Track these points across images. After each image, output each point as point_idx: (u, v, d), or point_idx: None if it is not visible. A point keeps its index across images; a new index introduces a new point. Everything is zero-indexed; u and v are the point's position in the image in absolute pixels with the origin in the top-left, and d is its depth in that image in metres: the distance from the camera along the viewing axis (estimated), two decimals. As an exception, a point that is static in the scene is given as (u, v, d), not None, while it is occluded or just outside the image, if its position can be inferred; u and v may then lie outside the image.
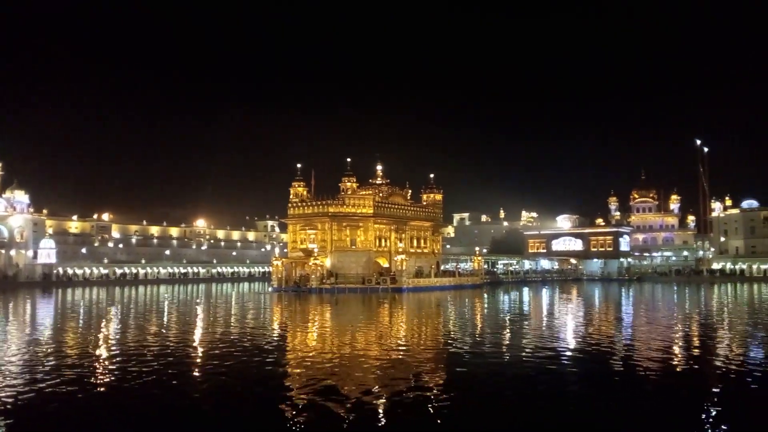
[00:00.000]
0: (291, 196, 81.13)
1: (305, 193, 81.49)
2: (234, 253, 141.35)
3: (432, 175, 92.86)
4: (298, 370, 18.97)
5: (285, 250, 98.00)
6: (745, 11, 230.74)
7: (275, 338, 28.19)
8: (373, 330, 31.03)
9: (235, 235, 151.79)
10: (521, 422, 12.80)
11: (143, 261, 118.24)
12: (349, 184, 78.88)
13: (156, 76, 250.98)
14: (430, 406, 13.91)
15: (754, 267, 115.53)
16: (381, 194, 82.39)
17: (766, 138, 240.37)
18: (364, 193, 79.54)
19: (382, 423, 12.62)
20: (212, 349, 23.32)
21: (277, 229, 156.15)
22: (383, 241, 79.85)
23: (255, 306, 51.12)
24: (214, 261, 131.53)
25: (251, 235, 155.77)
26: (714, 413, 13.53)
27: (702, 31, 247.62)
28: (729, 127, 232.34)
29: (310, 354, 22.51)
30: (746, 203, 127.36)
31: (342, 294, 65.45)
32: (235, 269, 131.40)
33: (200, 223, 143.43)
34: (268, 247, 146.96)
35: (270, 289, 75.34)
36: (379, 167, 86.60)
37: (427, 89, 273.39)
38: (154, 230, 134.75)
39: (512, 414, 13.46)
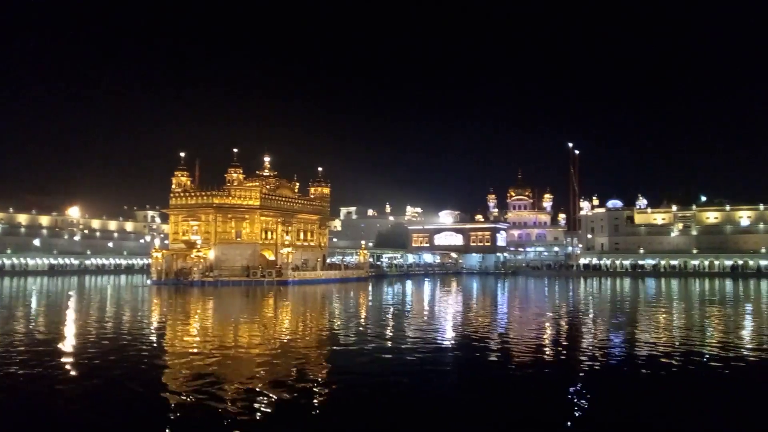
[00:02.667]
0: (173, 186, 78.57)
1: (189, 182, 79.24)
2: (111, 244, 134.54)
3: (320, 169, 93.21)
4: (177, 366, 18.67)
5: (166, 242, 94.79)
6: (618, 19, 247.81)
7: (153, 333, 27.41)
8: (256, 323, 31.04)
9: (112, 225, 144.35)
10: (403, 414, 13.41)
11: (9, 251, 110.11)
12: (235, 175, 77.56)
13: (24, 54, 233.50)
14: (313, 400, 14.22)
15: (617, 262, 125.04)
16: (268, 186, 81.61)
17: (631, 143, 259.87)
18: (250, 184, 78.48)
19: (263, 417, 12.87)
20: (83, 345, 22.30)
21: (157, 220, 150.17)
22: (270, 233, 79.21)
23: (132, 299, 49.31)
24: (89, 252, 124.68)
25: (130, 226, 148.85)
26: (580, 398, 14.86)
27: (575, 38, 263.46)
28: (598, 132, 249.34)
29: (190, 349, 22.24)
30: (611, 203, 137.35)
31: (226, 287, 64.45)
32: (112, 261, 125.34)
33: (74, 212, 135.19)
34: (148, 238, 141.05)
35: (149, 282, 72.69)
36: (267, 159, 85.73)
37: (315, 83, 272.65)
38: (22, 218, 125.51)
39: (394, 406, 14.05)
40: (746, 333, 27.70)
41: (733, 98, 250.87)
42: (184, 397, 14.35)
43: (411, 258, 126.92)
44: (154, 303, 45.42)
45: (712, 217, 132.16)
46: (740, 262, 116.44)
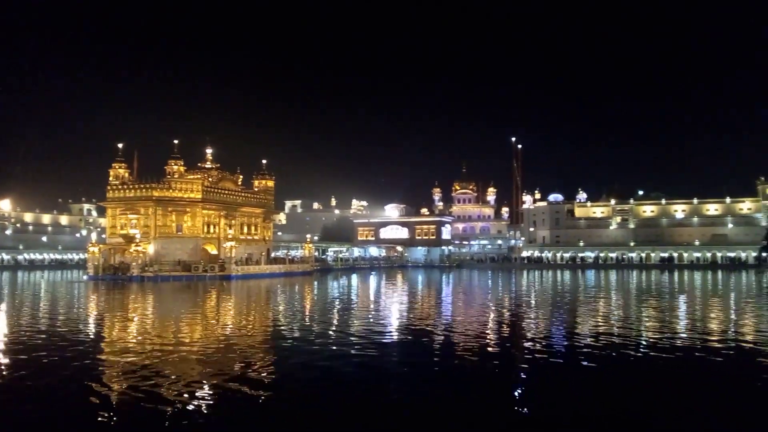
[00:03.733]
0: (111, 178, 76.27)
1: (127, 175, 77.09)
2: (44, 239, 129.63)
3: (264, 162, 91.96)
4: (116, 364, 17.98)
5: (103, 236, 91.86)
6: (562, 15, 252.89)
7: (89, 330, 26.47)
8: (198, 319, 30.28)
9: (46, 218, 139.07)
10: (350, 407, 13.22)
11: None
12: (176, 167, 75.79)
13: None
14: (257, 395, 13.89)
15: (558, 255, 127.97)
16: (210, 179, 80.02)
17: (572, 138, 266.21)
18: (192, 177, 76.79)
19: (205, 414, 12.49)
20: (14, 344, 21.37)
21: (94, 213, 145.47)
22: (212, 227, 77.75)
23: (68, 296, 47.53)
24: (21, 247, 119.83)
25: (64, 219, 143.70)
26: (525, 387, 14.94)
27: (517, 34, 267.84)
28: (541, 127, 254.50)
29: (129, 346, 21.49)
30: (552, 197, 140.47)
31: (166, 282, 62.87)
32: (46, 256, 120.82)
33: (4, 205, 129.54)
34: (84, 232, 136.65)
35: (85, 277, 70.38)
36: (209, 151, 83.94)
37: (258, 74, 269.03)
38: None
39: (341, 399, 13.85)
40: (680, 322, 28.51)
41: (670, 97, 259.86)
42: (125, 396, 13.83)
43: (356, 251, 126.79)
44: (91, 299, 43.86)
45: (648, 210, 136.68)
46: (675, 255, 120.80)
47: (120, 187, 75.48)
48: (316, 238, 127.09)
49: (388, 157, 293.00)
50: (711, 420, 12.15)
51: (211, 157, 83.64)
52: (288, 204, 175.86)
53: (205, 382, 15.14)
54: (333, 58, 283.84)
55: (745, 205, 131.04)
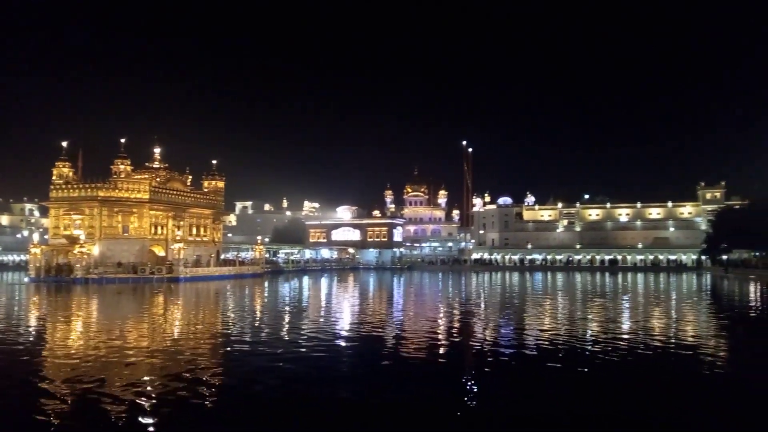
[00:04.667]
0: (54, 177, 73.93)
1: (71, 174, 74.98)
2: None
3: (215, 162, 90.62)
4: (58, 369, 17.44)
5: (46, 237, 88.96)
6: (511, 20, 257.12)
7: (31, 334, 25.66)
8: (145, 322, 29.68)
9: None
10: (299, 411, 13.18)
11: None
12: (122, 166, 74.04)
13: None
14: (205, 400, 13.71)
15: (507, 257, 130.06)
16: (158, 179, 78.42)
17: (521, 142, 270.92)
18: (139, 177, 75.13)
19: (151, 421, 12.28)
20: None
21: (36, 213, 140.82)
22: (160, 228, 76.24)
23: (8, 298, 45.91)
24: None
25: (5, 219, 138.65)
26: (476, 385, 15.16)
27: (471, 37, 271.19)
28: (491, 131, 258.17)
29: (72, 350, 20.91)
30: (502, 200, 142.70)
31: (112, 284, 61.36)
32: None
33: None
34: (26, 232, 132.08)
35: (26, 279, 68.09)
36: (157, 150, 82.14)
37: (207, 71, 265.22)
38: None
39: (290, 403, 13.80)
40: (624, 321, 29.36)
41: (616, 103, 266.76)
42: (66, 403, 13.44)
43: (308, 253, 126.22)
44: (32, 302, 42.48)
45: (594, 214, 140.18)
46: (619, 257, 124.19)
47: (64, 186, 73.31)
48: (267, 239, 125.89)
49: (340, 158, 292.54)
50: (653, 412, 12.57)
51: (159, 157, 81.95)
52: (238, 205, 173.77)
53: (150, 387, 14.87)
54: (284, 57, 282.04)
55: (686, 210, 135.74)
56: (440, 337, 24.05)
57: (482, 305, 39.38)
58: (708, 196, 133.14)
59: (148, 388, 14.78)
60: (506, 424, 12.18)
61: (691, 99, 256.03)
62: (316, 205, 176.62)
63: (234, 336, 24.29)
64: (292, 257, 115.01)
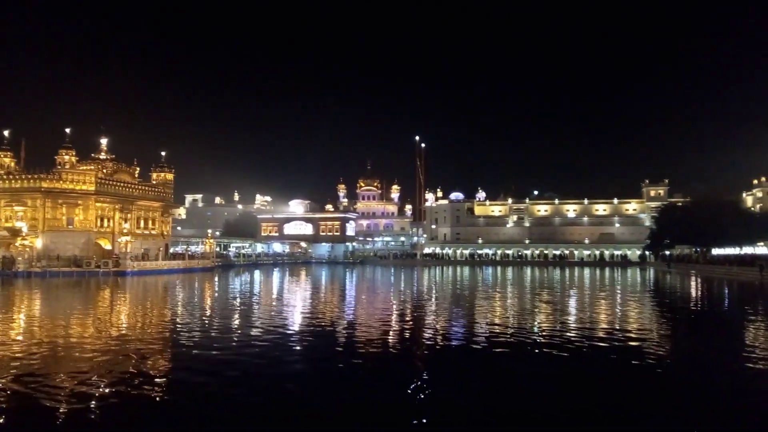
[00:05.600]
0: (-6, 168, 71.38)
1: (13, 164, 72.69)
2: None
3: (164, 153, 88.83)
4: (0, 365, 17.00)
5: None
6: (465, 16, 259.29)
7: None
8: (90, 317, 28.94)
9: None
10: (247, 408, 13.10)
11: None
12: (67, 157, 71.93)
13: None
14: (152, 396, 13.48)
15: (458, 252, 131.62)
16: (105, 170, 76.49)
17: (474, 138, 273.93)
18: (85, 168, 73.11)
19: (96, 417, 12.02)
20: None
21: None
22: (106, 221, 74.36)
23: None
24: None
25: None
26: (426, 379, 15.30)
27: (423, 33, 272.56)
28: (444, 126, 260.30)
29: (14, 346, 20.27)
30: (454, 195, 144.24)
31: (56, 278, 59.58)
32: None
33: None
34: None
35: (-36, 273, 65.53)
36: (103, 141, 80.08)
37: (155, 60, 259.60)
38: None
39: (238, 400, 13.69)
40: (570, 314, 30.08)
41: (565, 102, 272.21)
42: (11, 400, 13.03)
43: (260, 247, 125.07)
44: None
45: (543, 210, 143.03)
46: (566, 252, 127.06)
47: (5, 177, 70.77)
48: (217, 233, 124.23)
49: (293, 152, 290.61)
50: (597, 402, 12.95)
51: (105, 148, 79.91)
52: (188, 198, 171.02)
53: (94, 383, 14.51)
54: (235, 47, 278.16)
55: (631, 206, 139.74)
56: (392, 330, 24.18)
57: (433, 299, 39.77)
58: (652, 193, 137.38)
59: (95, 384, 14.42)
60: (453, 415, 12.36)
61: (637, 99, 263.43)
62: (269, 198, 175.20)
63: (183, 331, 23.89)
64: (243, 251, 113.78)
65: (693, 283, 58.75)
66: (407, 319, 28.66)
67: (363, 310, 32.44)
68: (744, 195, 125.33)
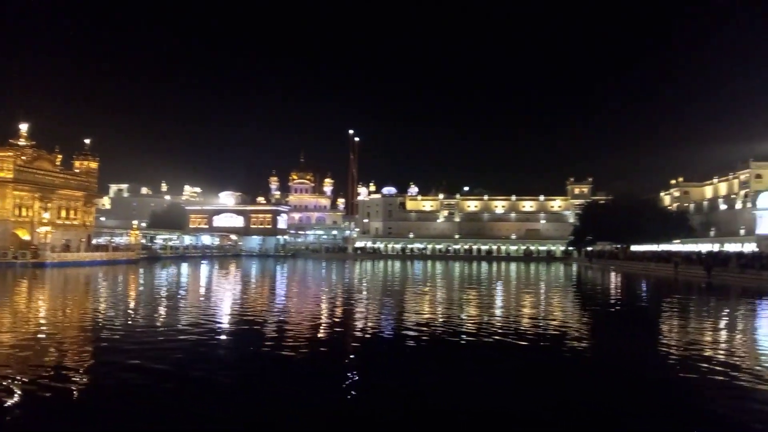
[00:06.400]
0: None
1: None
2: None
3: (87, 141, 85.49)
4: None
5: None
6: (395, 12, 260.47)
7: None
8: (6, 310, 27.72)
9: None
10: (173, 402, 12.93)
11: None
12: (-18, 143, 68.40)
13: None
14: (72, 394, 13.12)
15: (390, 246, 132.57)
16: (24, 158, 73.07)
17: (407, 133, 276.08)
18: (2, 154, 69.73)
19: (14, 415, 11.61)
20: None
21: None
22: (24, 210, 71.14)
23: None
24: None
25: None
26: (357, 372, 15.45)
27: (358, 26, 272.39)
28: (377, 121, 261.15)
29: None
30: (386, 190, 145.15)
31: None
32: None
33: None
34: None
35: None
36: (23, 126, 76.34)
37: (81, 46, 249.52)
38: None
39: (164, 395, 13.49)
40: (497, 307, 30.95)
41: (496, 99, 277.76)
42: None
43: (188, 240, 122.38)
44: None
45: (472, 205, 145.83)
46: (494, 247, 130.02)
47: None
48: (144, 224, 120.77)
49: (224, 143, 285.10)
50: (521, 394, 13.44)
51: (25, 134, 76.22)
52: (113, 188, 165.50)
53: (11, 380, 14.00)
54: (164, 32, 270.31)
55: (556, 203, 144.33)
56: (322, 323, 24.27)
57: (364, 292, 40.05)
58: (576, 191, 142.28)
59: (12, 381, 13.89)
60: (382, 406, 12.58)
61: (563, 100, 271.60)
62: (198, 189, 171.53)
63: (106, 325, 23.21)
64: (170, 243, 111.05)
65: (613, 278, 61.29)
66: (338, 312, 28.78)
67: (293, 304, 32.35)
68: (662, 194, 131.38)
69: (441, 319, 25.09)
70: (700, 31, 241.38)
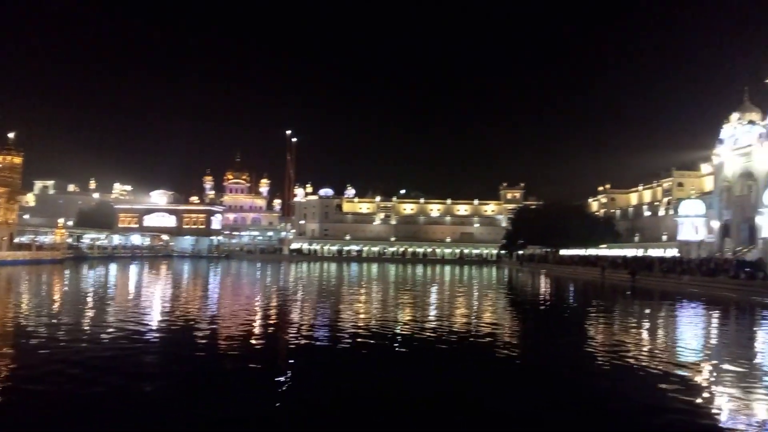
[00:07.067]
0: None
1: None
2: None
3: (11, 135, 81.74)
4: None
5: None
6: (336, 15, 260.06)
7: None
8: None
9: None
10: (95, 409, 12.61)
11: None
12: None
13: None
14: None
15: (326, 248, 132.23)
16: (-61, 151, 69.34)
17: (345, 135, 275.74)
18: None
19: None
20: None
21: None
22: (-61, 206, 67.44)
23: None
24: None
25: None
26: (283, 381, 15.38)
27: (297, 25, 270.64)
28: (315, 122, 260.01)
29: None
30: (323, 191, 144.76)
31: None
32: None
33: None
34: None
35: None
36: (-62, 119, 72.51)
37: (6, 35, 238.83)
38: None
39: (84, 401, 13.13)
40: (431, 309, 31.37)
41: (432, 103, 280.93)
42: None
43: (117, 239, 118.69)
44: None
45: (408, 208, 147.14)
46: (429, 250, 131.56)
47: None
48: (70, 223, 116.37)
49: (157, 139, 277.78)
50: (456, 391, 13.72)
51: (-59, 127, 72.43)
52: (38, 184, 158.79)
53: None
54: (92, 20, 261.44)
55: (490, 208, 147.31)
56: (253, 328, 24.03)
57: (298, 295, 39.86)
58: (509, 196, 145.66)
59: None
60: (315, 408, 12.63)
61: (499, 106, 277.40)
62: (129, 187, 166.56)
63: (28, 328, 22.31)
64: (98, 243, 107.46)
65: (543, 281, 63.01)
66: (270, 316, 28.55)
67: (225, 307, 31.89)
68: (590, 200, 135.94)
69: (375, 323, 25.25)
70: (627, 45, 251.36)
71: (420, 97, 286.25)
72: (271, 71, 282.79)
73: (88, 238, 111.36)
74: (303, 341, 20.59)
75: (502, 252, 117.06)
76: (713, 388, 14.48)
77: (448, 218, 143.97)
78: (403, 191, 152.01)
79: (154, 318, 26.03)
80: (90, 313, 27.21)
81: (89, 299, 33.61)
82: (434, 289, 48.41)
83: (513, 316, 30.74)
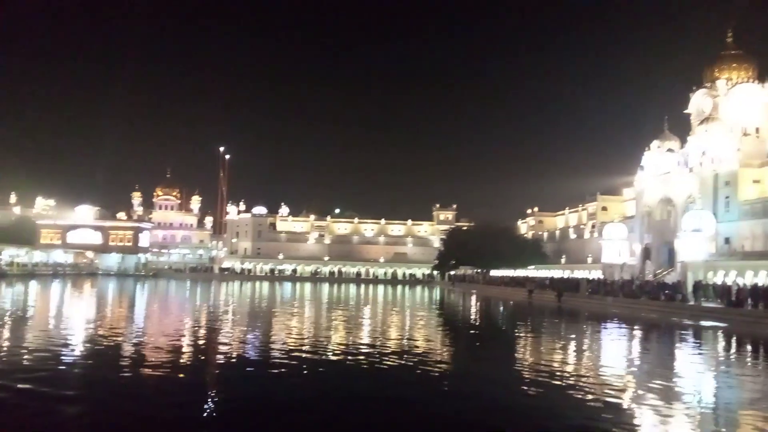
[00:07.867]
0: None
1: None
2: None
3: None
4: None
5: None
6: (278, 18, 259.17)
7: None
8: None
9: None
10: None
11: None
12: None
13: None
14: None
15: (259, 267, 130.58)
16: None
17: (280, 153, 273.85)
18: None
19: None
20: None
21: None
22: None
23: None
24: None
25: None
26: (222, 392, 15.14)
27: (231, 38, 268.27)
28: (249, 139, 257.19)
29: None
30: (256, 209, 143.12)
31: None
32: None
33: None
34: None
35: None
36: None
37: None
38: None
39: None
40: (364, 329, 31.47)
41: (368, 123, 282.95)
42: None
43: (38, 256, 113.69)
44: None
45: (342, 228, 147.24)
46: (363, 270, 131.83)
47: None
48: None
49: (83, 152, 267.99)
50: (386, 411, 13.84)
51: None
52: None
53: None
54: (25, 24, 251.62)
55: (423, 228, 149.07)
56: (183, 348, 23.56)
57: (229, 316, 39.23)
58: (441, 216, 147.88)
59: None
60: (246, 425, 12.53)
61: (432, 127, 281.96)
62: (52, 202, 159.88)
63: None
64: (17, 260, 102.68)
65: (473, 302, 64.14)
66: (197, 337, 28.00)
67: (151, 327, 31.07)
68: (519, 222, 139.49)
69: (306, 343, 25.17)
70: (555, 72, 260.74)
71: (355, 117, 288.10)
72: (204, 86, 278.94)
73: (7, 254, 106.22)
74: (227, 362, 20.31)
75: (435, 272, 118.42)
76: (637, 405, 15.21)
77: (381, 238, 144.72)
78: (337, 210, 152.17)
79: (80, 338, 25.10)
80: (9, 333, 26.03)
81: (8, 318, 32.06)
82: (367, 309, 48.55)
83: (444, 336, 31.20)
